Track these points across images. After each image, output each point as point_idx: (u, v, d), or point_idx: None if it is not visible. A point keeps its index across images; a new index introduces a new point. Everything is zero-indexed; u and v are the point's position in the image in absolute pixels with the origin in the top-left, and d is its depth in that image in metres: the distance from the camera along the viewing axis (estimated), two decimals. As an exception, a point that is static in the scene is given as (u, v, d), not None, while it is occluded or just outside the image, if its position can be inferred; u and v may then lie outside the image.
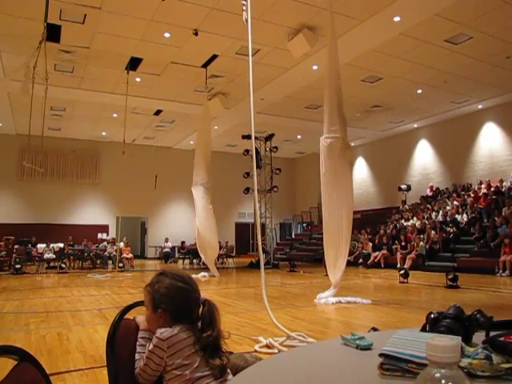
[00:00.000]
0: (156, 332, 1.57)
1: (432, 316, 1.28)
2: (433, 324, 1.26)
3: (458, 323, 1.23)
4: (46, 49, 9.50)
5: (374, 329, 3.70)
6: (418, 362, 1.00)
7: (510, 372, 1.01)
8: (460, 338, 1.13)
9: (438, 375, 0.53)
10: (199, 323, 1.64)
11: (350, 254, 17.51)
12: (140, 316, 1.70)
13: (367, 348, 1.29)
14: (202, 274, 13.11)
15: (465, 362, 1.03)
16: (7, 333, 5.35)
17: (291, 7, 9.66)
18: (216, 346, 1.60)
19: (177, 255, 20.43)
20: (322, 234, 8.21)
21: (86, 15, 9.91)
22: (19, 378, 1.05)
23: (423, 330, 1.30)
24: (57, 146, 20.37)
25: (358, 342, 1.31)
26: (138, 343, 1.62)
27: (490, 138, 17.27)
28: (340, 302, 7.58)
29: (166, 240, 20.54)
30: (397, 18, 9.96)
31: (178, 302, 1.62)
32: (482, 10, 9.81)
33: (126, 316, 1.65)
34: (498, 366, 1.02)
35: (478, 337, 1.21)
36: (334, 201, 7.79)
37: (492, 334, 1.18)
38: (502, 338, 1.12)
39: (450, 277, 9.51)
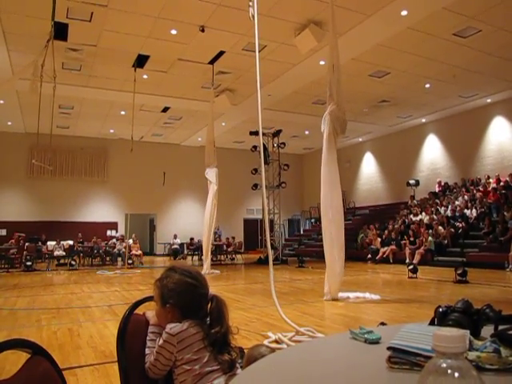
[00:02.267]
0: (166, 327, 1.58)
1: (440, 310, 1.28)
2: (441, 318, 1.26)
3: (466, 317, 1.23)
4: (54, 47, 9.55)
5: (383, 324, 3.70)
6: (426, 355, 1.00)
7: (519, 365, 1.01)
8: (468, 331, 1.13)
9: (444, 365, 0.54)
10: (208, 319, 1.65)
11: (356, 248, 17.55)
12: (150, 311, 1.72)
13: (375, 342, 1.29)
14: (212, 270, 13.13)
15: (473, 355, 1.04)
16: (19, 329, 5.41)
17: (297, 2, 9.63)
18: (224, 342, 1.62)
19: (185, 252, 20.50)
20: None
21: (92, 13, 9.94)
22: (32, 371, 1.07)
23: (431, 323, 1.31)
24: (65, 144, 20.49)
25: (366, 335, 1.32)
26: (148, 338, 1.64)
27: (499, 133, 17.12)
28: (349, 298, 7.57)
29: (175, 236, 20.61)
30: (404, 12, 9.89)
31: (186, 297, 1.63)
32: (490, 3, 9.71)
33: (136, 311, 1.67)
34: (506, 360, 1.02)
35: (487, 330, 1.21)
36: (326, 192, 7.68)
37: (501, 327, 1.18)
38: (510, 332, 1.12)
39: (459, 272, 9.46)
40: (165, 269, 1.73)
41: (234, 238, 20.23)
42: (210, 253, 13.49)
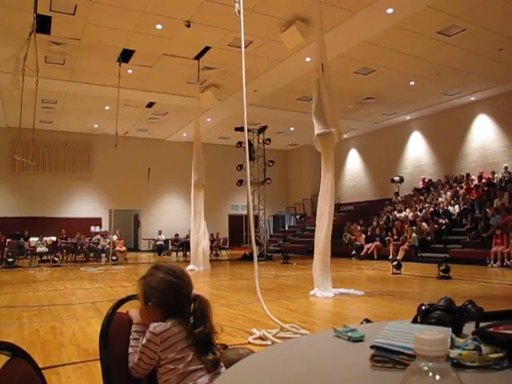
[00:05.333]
0: (149, 326, 1.57)
1: (423, 308, 1.29)
2: (424, 316, 1.28)
3: (448, 315, 1.24)
4: (36, 40, 9.41)
5: (367, 320, 3.73)
6: (409, 354, 1.01)
7: (498, 362, 1.03)
8: (450, 329, 1.15)
9: (425, 368, 0.55)
10: (191, 319, 1.64)
11: (341, 244, 17.67)
12: (133, 310, 1.70)
13: (359, 340, 1.30)
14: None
15: (455, 352, 1.05)
16: (0, 327, 5.34)
17: (284, -2, 9.61)
18: (208, 342, 1.61)
19: (170, 248, 20.43)
20: (315, 225, 8.16)
21: (76, 6, 9.80)
22: (11, 374, 1.04)
23: (414, 321, 1.32)
24: (48, 139, 20.22)
25: (349, 334, 1.32)
26: (131, 337, 1.63)
27: (482, 130, 17.35)
28: (340, 294, 7.61)
29: (160, 233, 20.54)
30: (390, 10, 9.94)
31: (168, 296, 1.63)
32: (474, 2, 9.81)
33: (120, 310, 1.66)
34: (486, 357, 1.04)
35: (469, 328, 1.22)
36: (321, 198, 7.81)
37: (482, 325, 1.19)
38: (491, 329, 1.13)
39: (442, 268, 9.59)
40: (150, 267, 1.73)
41: (218, 233, 20.18)
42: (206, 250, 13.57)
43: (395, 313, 5.89)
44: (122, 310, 1.67)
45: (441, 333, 0.55)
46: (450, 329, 1.15)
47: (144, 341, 1.56)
